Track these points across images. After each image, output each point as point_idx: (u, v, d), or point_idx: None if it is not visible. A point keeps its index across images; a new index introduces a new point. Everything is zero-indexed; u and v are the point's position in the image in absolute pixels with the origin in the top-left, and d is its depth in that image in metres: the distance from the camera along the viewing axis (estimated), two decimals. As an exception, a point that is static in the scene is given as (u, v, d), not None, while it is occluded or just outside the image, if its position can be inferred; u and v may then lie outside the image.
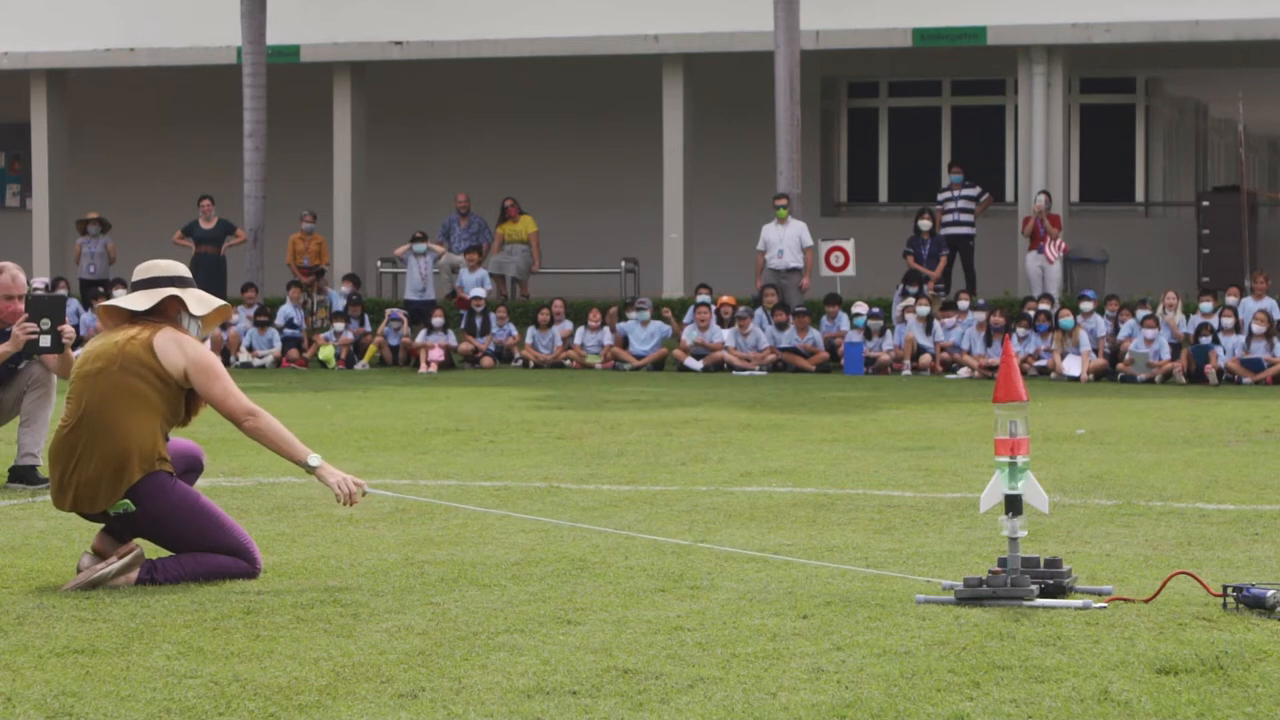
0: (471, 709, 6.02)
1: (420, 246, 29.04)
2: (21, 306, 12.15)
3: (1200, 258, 29.64)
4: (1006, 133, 32.60)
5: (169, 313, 8.56)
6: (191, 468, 8.69)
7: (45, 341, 11.99)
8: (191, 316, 8.61)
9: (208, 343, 27.72)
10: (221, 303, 8.76)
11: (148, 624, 7.40)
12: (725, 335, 26.66)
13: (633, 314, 27.32)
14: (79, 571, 8.28)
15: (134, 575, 8.24)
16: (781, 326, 26.65)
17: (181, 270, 8.68)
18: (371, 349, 27.64)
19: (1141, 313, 25.47)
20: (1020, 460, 7.80)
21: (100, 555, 8.34)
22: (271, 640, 7.06)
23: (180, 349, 8.41)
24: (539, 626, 7.31)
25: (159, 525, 8.37)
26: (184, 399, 8.46)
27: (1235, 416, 18.34)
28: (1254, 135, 35.53)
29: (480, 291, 28.37)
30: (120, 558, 8.23)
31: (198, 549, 8.38)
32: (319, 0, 32.09)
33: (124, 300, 8.62)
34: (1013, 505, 7.83)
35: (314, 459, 8.41)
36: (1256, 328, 24.53)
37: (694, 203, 31.14)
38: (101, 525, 8.54)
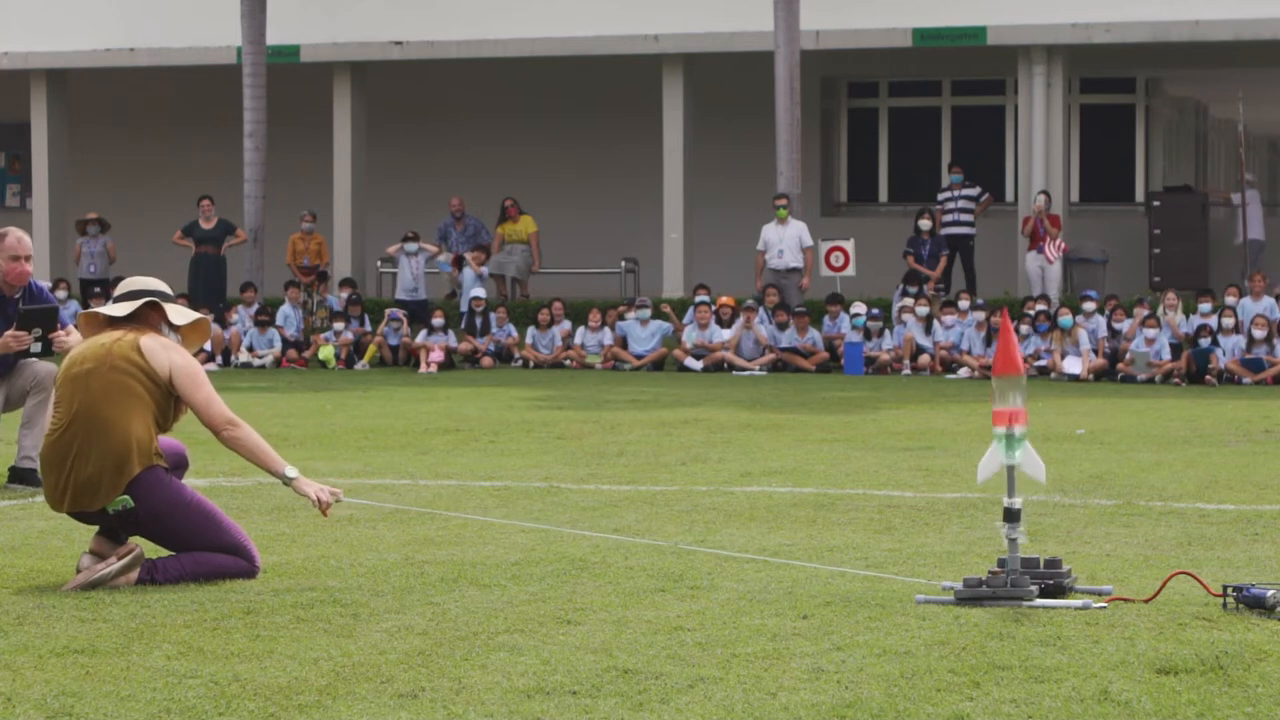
0: (471, 709, 6.02)
1: (412, 246, 29.02)
2: (29, 268, 12.22)
3: (1151, 257, 29.74)
4: (1006, 133, 32.60)
5: (150, 321, 8.63)
6: (179, 465, 8.73)
7: (36, 348, 12.08)
8: (171, 327, 8.69)
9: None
10: (200, 315, 8.85)
11: (148, 624, 7.40)
12: (727, 334, 26.66)
13: (631, 314, 27.32)
14: (78, 572, 8.29)
15: (134, 575, 8.25)
16: (782, 327, 26.65)
17: (162, 286, 8.81)
18: (371, 349, 27.64)
19: (1142, 312, 25.46)
20: (1018, 430, 7.77)
21: (99, 556, 8.35)
22: (271, 640, 7.07)
23: (166, 351, 8.49)
24: (539, 626, 7.32)
25: (160, 520, 8.39)
26: (171, 403, 8.49)
27: (1235, 416, 18.34)
28: (1254, 135, 35.54)
29: (480, 291, 28.36)
30: (120, 558, 8.25)
31: (197, 546, 8.40)
32: (319, 0, 32.08)
33: (105, 308, 8.70)
34: (1011, 517, 7.81)
35: (291, 471, 8.54)
36: (1257, 332, 24.51)
37: (694, 203, 31.13)
38: (97, 528, 8.54)
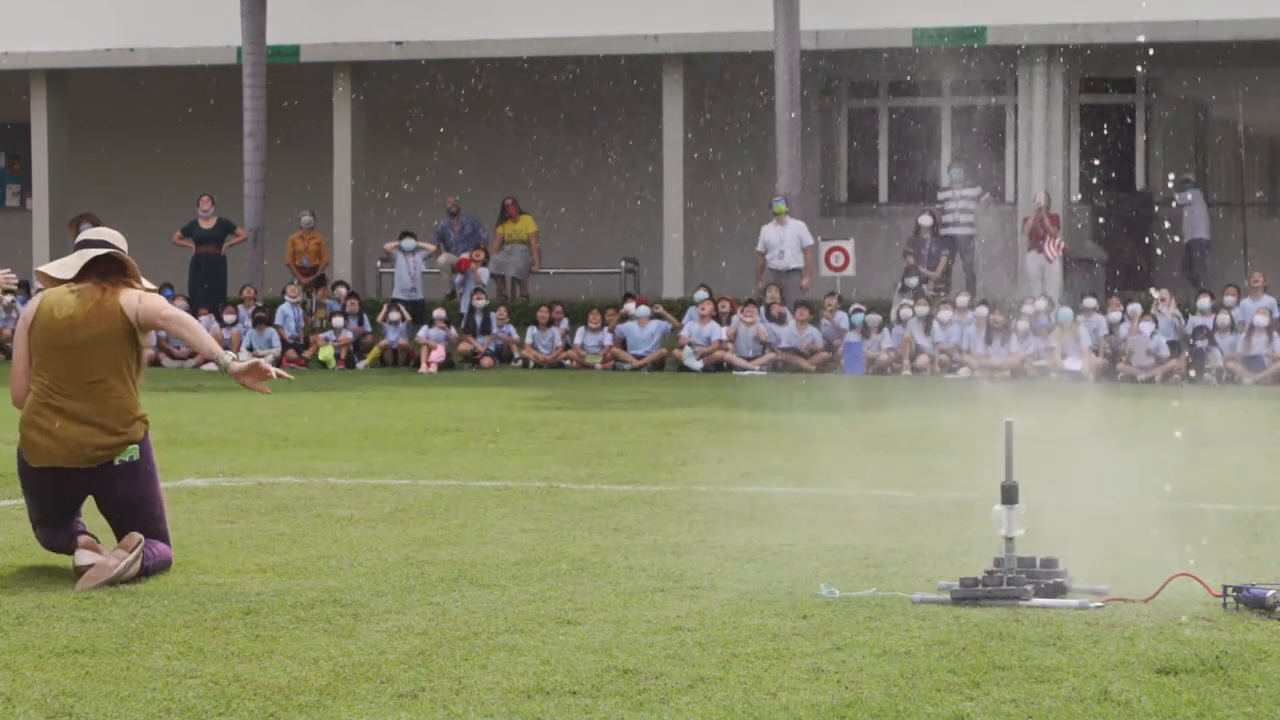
0: (471, 709, 6.02)
1: (409, 243, 28.97)
2: None
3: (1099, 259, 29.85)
4: (1006, 133, 32.58)
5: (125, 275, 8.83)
6: None
7: None
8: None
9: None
10: (153, 287, 9.04)
11: (148, 624, 7.40)
12: (724, 331, 26.64)
13: (629, 305, 27.33)
14: (79, 572, 8.31)
15: (140, 563, 8.32)
16: (780, 320, 26.59)
17: (123, 242, 8.94)
18: (375, 351, 27.61)
19: (1136, 309, 25.43)
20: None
21: (95, 552, 8.38)
22: (271, 640, 7.07)
23: (134, 292, 8.68)
24: (539, 626, 7.32)
25: (151, 484, 8.60)
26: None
27: (1235, 416, 18.33)
28: (1254, 135, 35.56)
29: (480, 292, 28.36)
30: (129, 549, 8.30)
31: (157, 524, 8.59)
32: (319, 0, 32.08)
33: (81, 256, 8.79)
34: (1008, 495, 7.82)
35: (228, 357, 8.62)
36: (1260, 320, 24.52)
37: (694, 203, 31.13)
38: (68, 538, 8.58)
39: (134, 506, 8.54)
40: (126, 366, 8.55)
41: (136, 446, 8.49)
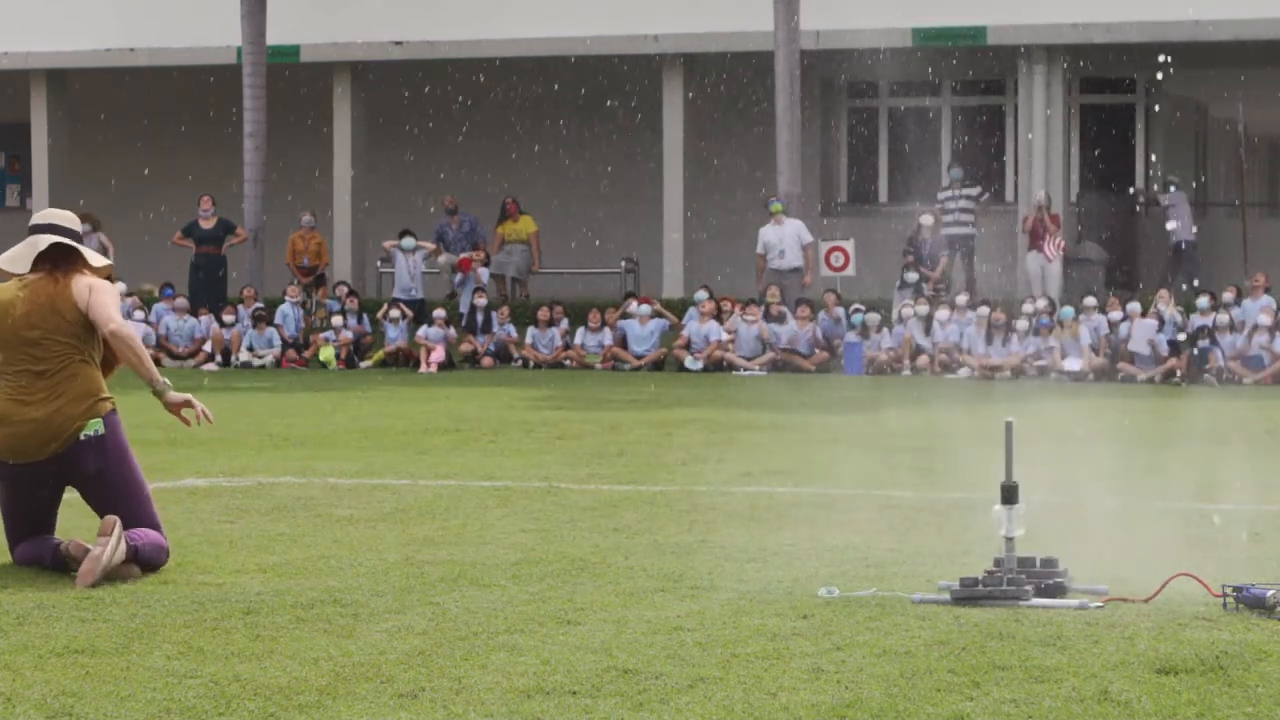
0: (471, 709, 6.02)
1: (409, 242, 28.95)
2: None
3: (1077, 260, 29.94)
4: (1006, 133, 32.59)
5: (73, 261, 8.80)
6: None
7: None
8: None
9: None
10: (108, 262, 9.05)
11: (148, 624, 7.40)
12: (722, 330, 26.65)
13: (630, 305, 27.34)
14: (71, 563, 8.33)
15: (124, 546, 8.32)
16: (779, 319, 26.57)
17: (76, 223, 8.92)
18: (379, 354, 27.59)
19: (1134, 306, 25.44)
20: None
21: (85, 549, 8.41)
22: (271, 640, 7.07)
23: (84, 281, 8.67)
24: (539, 626, 7.32)
25: (121, 460, 8.61)
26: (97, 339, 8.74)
27: (1235, 416, 18.33)
28: (1254, 135, 35.56)
29: (480, 292, 28.36)
30: (108, 533, 8.30)
31: (136, 506, 8.57)
32: (319, 0, 32.08)
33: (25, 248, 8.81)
34: (1008, 495, 7.83)
35: (164, 385, 8.70)
36: (1264, 319, 24.52)
37: (694, 202, 31.13)
38: (50, 550, 8.59)
39: (111, 489, 8.54)
40: (87, 351, 8.61)
41: (100, 421, 8.52)
